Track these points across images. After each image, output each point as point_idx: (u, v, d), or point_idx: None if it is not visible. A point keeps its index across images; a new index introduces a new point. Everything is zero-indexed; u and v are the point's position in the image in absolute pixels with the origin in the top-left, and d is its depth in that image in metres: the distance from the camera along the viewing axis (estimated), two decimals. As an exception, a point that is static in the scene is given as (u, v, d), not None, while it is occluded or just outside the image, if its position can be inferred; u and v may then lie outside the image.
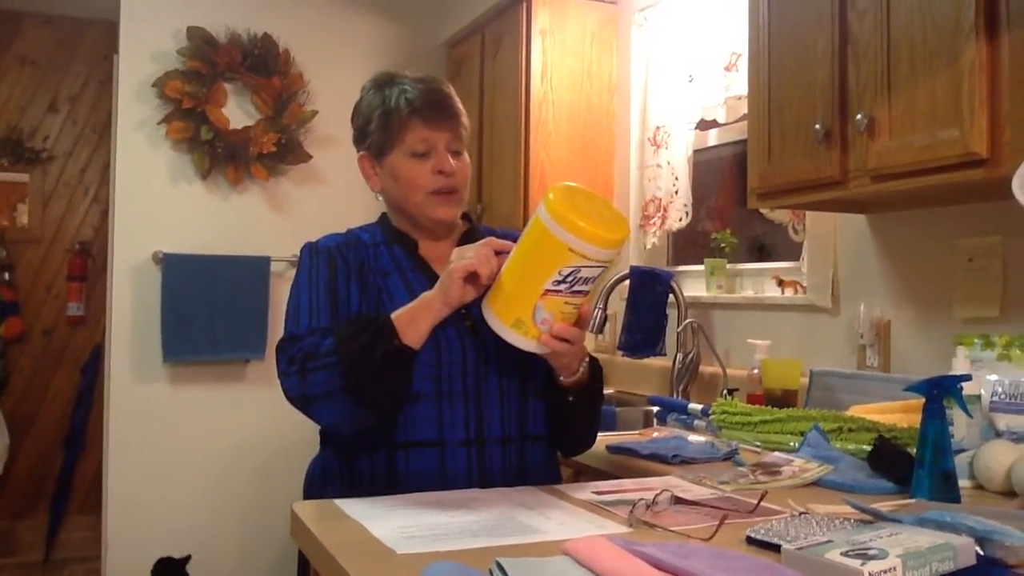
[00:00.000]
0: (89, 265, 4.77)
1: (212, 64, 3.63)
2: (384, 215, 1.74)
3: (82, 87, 4.81)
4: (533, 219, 1.38)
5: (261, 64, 3.70)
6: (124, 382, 3.58)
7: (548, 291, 1.36)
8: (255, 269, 3.69)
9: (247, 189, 3.77)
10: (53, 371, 4.75)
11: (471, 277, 1.42)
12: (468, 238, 1.67)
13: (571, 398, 1.59)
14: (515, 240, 1.45)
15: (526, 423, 1.61)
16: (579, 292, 1.38)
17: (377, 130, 1.64)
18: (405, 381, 1.47)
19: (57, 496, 4.59)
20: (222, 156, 3.66)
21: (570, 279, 1.35)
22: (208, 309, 3.59)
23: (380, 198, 1.73)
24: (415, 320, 1.44)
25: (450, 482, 1.51)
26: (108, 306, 3.68)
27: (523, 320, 1.39)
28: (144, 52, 3.60)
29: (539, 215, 1.36)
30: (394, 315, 1.45)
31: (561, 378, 1.56)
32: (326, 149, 3.78)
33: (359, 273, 1.61)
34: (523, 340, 1.41)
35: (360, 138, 1.69)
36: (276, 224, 3.79)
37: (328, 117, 3.73)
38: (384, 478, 1.53)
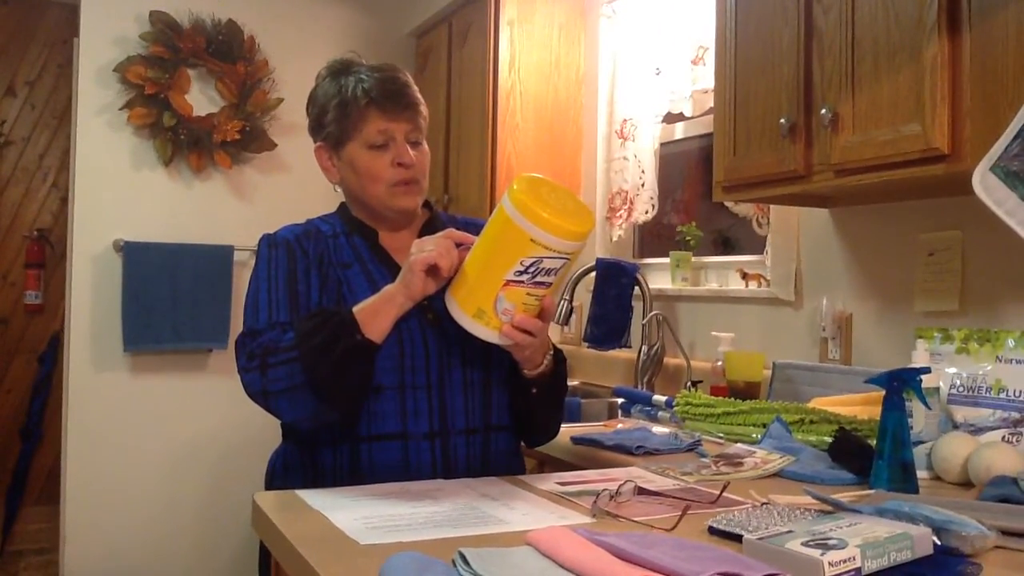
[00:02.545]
0: (48, 252, 4.69)
1: (175, 50, 3.57)
2: (343, 204, 1.71)
3: (40, 71, 4.71)
4: (497, 208, 1.38)
5: (225, 50, 3.65)
6: (84, 371, 3.52)
7: (510, 281, 1.36)
8: (218, 258, 3.65)
9: (210, 177, 3.72)
10: (10, 360, 4.66)
11: (432, 269, 1.41)
12: (429, 227, 1.66)
13: (535, 390, 1.58)
14: (477, 229, 1.45)
15: (490, 414, 1.61)
16: (541, 284, 1.37)
17: (334, 121, 1.60)
18: (367, 375, 1.46)
19: (13, 487, 4.52)
20: (185, 143, 3.61)
21: (532, 270, 1.35)
22: (170, 298, 3.55)
23: (338, 189, 1.70)
24: (377, 314, 1.43)
25: (414, 474, 1.50)
26: (67, 294, 3.61)
27: (484, 310, 1.38)
28: (105, 36, 3.53)
29: (503, 204, 1.36)
30: (356, 309, 1.44)
31: (524, 371, 1.55)
32: (291, 137, 3.74)
33: (319, 265, 1.59)
34: (485, 331, 1.40)
35: (316, 128, 1.66)
36: (240, 212, 3.75)
37: (293, 105, 3.68)
38: (347, 471, 1.52)
